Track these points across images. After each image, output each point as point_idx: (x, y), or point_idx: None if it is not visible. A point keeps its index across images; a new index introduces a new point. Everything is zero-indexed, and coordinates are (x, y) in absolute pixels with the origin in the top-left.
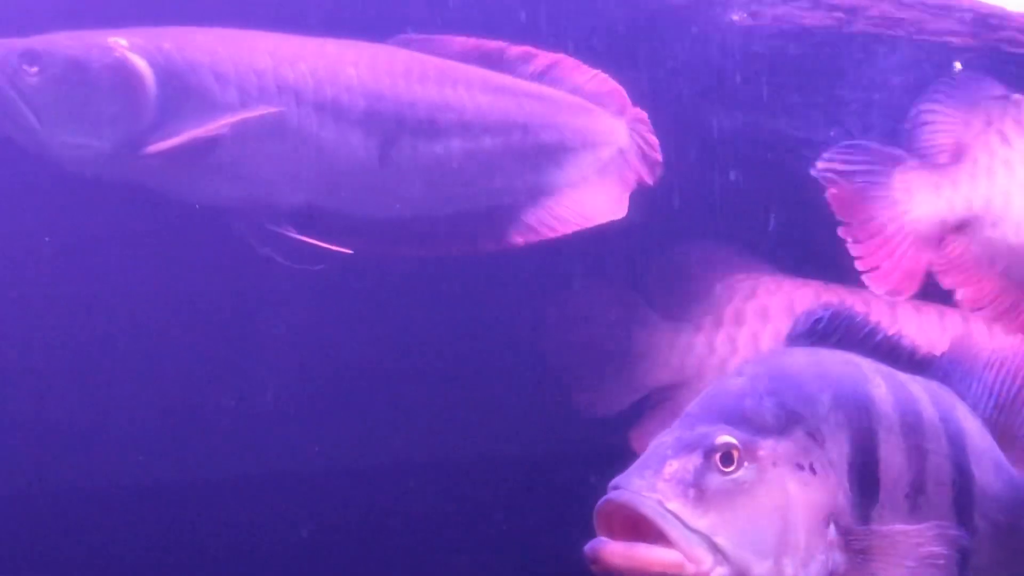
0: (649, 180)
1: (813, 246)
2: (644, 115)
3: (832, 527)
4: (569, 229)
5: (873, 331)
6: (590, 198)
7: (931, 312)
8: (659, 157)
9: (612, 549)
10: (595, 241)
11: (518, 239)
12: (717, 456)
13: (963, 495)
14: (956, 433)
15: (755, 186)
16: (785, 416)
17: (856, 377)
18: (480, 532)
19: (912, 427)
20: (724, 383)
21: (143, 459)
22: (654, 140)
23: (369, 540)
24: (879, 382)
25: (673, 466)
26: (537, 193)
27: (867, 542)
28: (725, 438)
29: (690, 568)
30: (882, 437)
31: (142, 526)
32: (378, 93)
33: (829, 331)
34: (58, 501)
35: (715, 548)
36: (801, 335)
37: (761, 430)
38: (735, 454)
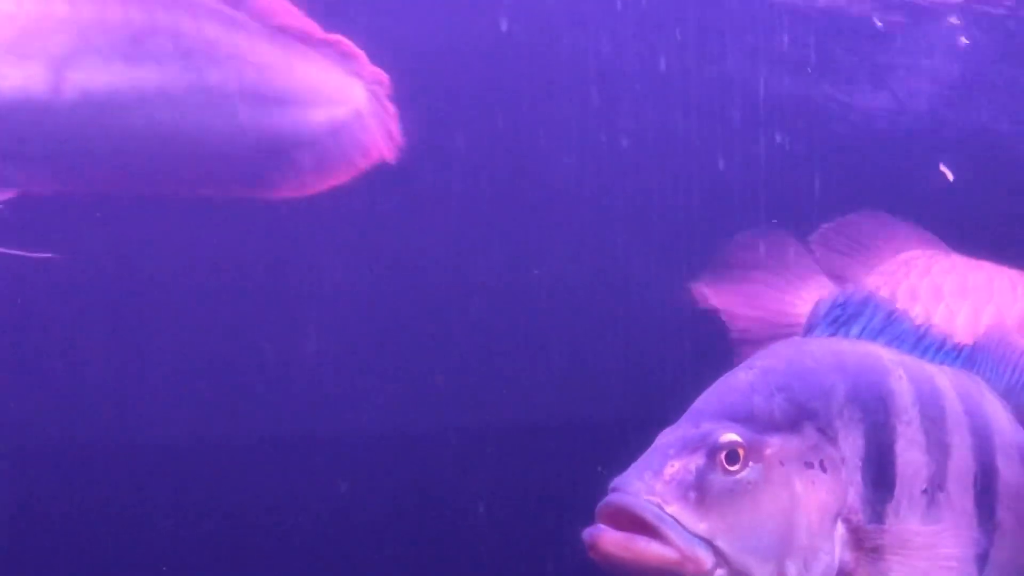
0: (388, 153)
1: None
2: (385, 78)
3: (842, 525)
4: (294, 190)
5: (900, 319)
6: (321, 158)
7: None
8: (397, 127)
9: (610, 538)
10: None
11: (241, 189)
12: (721, 455)
13: (986, 490)
14: (982, 426)
15: (800, 149)
16: (795, 412)
17: (875, 369)
18: (512, 500)
19: (934, 421)
20: (733, 376)
21: (176, 417)
22: (392, 108)
23: (400, 504)
24: (900, 374)
25: (674, 467)
26: (265, 145)
27: (878, 541)
28: (730, 437)
29: (689, 568)
30: (900, 432)
31: (171, 483)
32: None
33: (851, 319)
34: (90, 458)
35: (716, 550)
36: (821, 323)
37: (769, 427)
38: (740, 453)
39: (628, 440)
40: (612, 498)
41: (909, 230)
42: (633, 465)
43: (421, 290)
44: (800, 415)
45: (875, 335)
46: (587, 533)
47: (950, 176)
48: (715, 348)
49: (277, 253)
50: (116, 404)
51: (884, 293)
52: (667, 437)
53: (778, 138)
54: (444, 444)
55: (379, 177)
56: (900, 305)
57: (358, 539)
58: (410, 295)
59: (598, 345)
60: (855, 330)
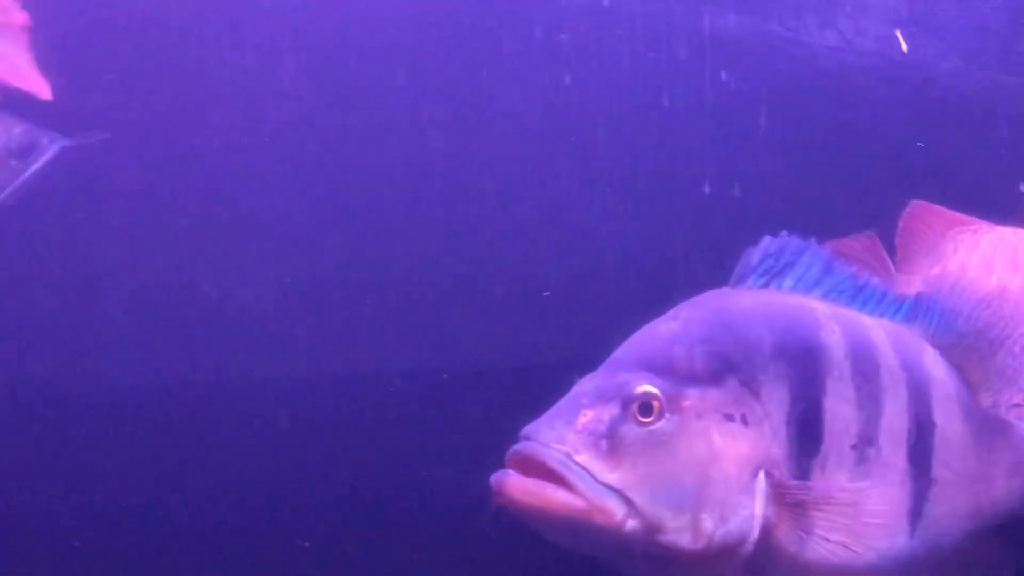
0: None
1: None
2: (20, 14)
3: (764, 480)
4: None
5: (838, 270)
6: None
7: None
8: (30, 61)
9: (516, 484)
10: None
11: None
12: (635, 406)
13: (922, 445)
14: (920, 380)
15: (744, 87)
16: (717, 364)
17: (805, 323)
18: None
19: (866, 376)
20: (655, 326)
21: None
22: (27, 41)
23: (352, 445)
24: (833, 328)
25: (587, 416)
26: None
27: (802, 497)
28: (645, 388)
29: (598, 518)
30: (829, 387)
31: (128, 428)
32: None
33: (785, 269)
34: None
35: (628, 501)
36: (751, 274)
37: (688, 379)
38: (655, 404)
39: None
40: (521, 446)
41: (951, 210)
42: (546, 413)
43: (361, 231)
44: (722, 367)
45: (811, 287)
46: (494, 479)
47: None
48: (661, 294)
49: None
50: (56, 347)
51: (938, 270)
52: (582, 386)
53: (723, 76)
54: (384, 385)
55: (309, 114)
56: (953, 282)
57: (295, 479)
58: (350, 235)
59: (544, 287)
60: (789, 281)
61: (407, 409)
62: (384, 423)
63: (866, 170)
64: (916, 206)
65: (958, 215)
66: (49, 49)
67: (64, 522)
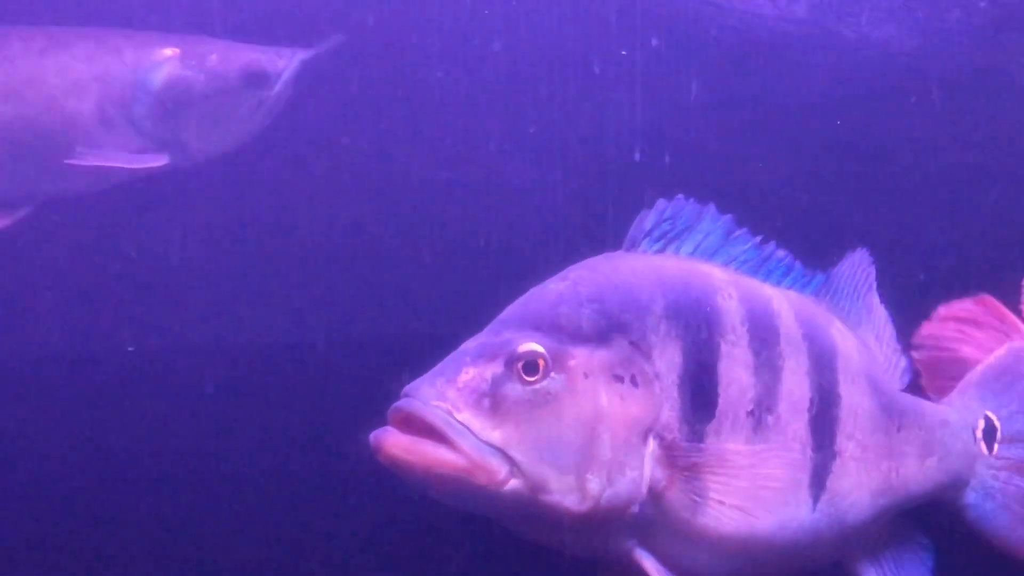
0: None
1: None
2: None
3: (654, 442)
4: None
5: (740, 240)
6: None
7: None
8: None
9: (395, 440)
10: None
11: None
12: (519, 365)
13: (825, 416)
14: (824, 352)
15: (675, 53)
16: (605, 323)
17: (700, 286)
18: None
19: (765, 342)
20: (543, 286)
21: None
22: None
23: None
24: (730, 293)
25: (469, 373)
26: None
27: (694, 459)
28: (530, 346)
29: (480, 476)
30: (725, 351)
31: (50, 393)
32: None
33: (682, 235)
34: None
35: (511, 460)
36: (644, 239)
37: (575, 338)
38: (540, 363)
39: None
40: (401, 403)
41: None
42: (430, 371)
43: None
44: (611, 327)
45: (710, 254)
46: (373, 436)
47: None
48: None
49: None
50: None
51: None
52: (466, 345)
53: (654, 42)
54: (304, 352)
55: None
56: None
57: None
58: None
59: (472, 251)
60: (687, 247)
61: (332, 375)
62: (304, 389)
63: (797, 136)
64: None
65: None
66: None
67: None
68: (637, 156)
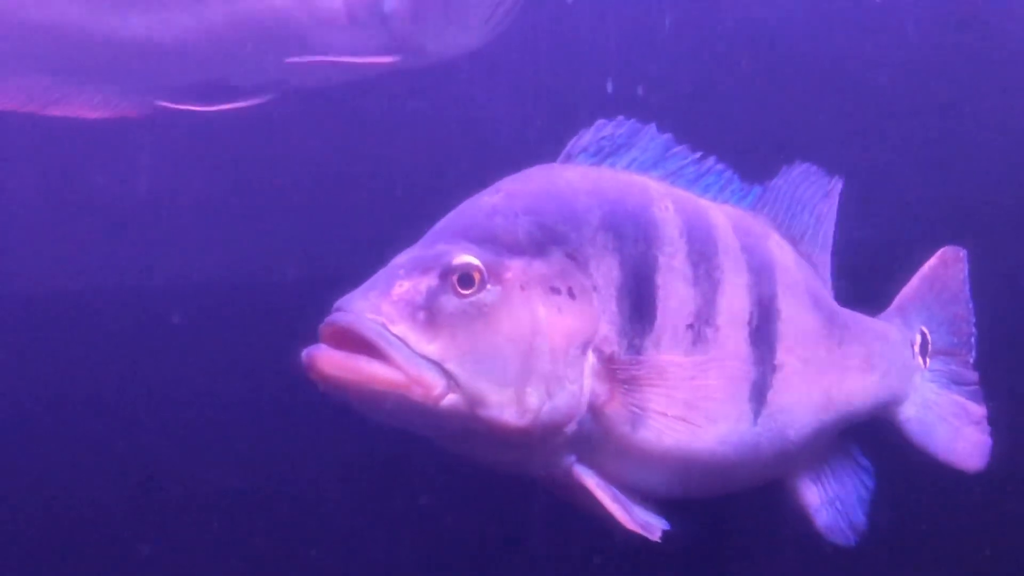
0: None
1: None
2: None
3: (592, 355)
4: None
5: (678, 155)
6: None
7: None
8: None
9: (328, 357)
10: None
11: None
12: (455, 277)
13: (765, 330)
14: (763, 265)
15: None
16: (541, 235)
17: (637, 199)
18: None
19: (703, 255)
20: (477, 199)
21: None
22: None
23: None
24: (667, 205)
25: (403, 287)
26: None
27: (633, 372)
28: (465, 258)
29: (417, 391)
30: (663, 263)
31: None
32: None
33: (619, 150)
34: None
35: (448, 374)
36: (580, 153)
37: (511, 250)
38: (476, 276)
39: None
40: (333, 317)
41: None
42: (361, 285)
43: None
44: (547, 239)
45: (648, 168)
46: (305, 353)
47: None
48: None
49: None
50: None
51: None
52: (399, 258)
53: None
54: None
55: None
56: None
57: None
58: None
59: (440, 179)
60: (623, 162)
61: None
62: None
63: (769, 71)
64: None
65: None
66: None
67: None
68: (610, 88)
